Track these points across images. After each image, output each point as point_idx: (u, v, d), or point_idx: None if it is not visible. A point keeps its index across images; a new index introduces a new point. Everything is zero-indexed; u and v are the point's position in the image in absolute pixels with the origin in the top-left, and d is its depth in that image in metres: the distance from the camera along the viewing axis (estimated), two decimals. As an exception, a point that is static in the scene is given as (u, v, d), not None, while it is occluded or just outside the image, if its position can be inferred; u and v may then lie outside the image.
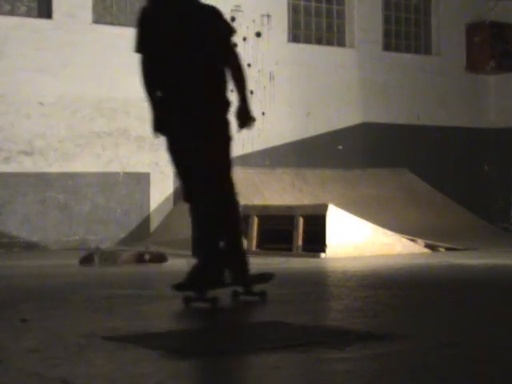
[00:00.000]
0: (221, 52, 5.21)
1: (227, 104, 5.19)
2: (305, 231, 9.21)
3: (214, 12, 5.36)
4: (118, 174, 11.53)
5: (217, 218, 5.17)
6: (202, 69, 5.15)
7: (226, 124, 5.20)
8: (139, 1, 12.06)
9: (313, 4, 13.37)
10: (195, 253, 5.19)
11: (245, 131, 5.49)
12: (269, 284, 5.33)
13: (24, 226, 10.85)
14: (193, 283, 5.05)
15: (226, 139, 5.24)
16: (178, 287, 5.07)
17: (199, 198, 5.16)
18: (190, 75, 5.13)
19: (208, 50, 5.16)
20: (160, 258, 8.43)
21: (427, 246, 9.73)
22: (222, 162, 5.26)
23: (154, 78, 5.33)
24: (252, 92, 12.54)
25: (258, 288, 5.20)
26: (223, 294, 5.15)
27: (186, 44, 5.15)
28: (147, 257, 8.37)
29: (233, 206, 5.33)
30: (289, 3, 13.06)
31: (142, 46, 5.31)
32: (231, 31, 5.33)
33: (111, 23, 11.75)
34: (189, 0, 5.31)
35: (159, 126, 5.19)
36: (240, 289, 5.25)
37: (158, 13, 5.34)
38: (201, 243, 5.16)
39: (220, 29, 5.32)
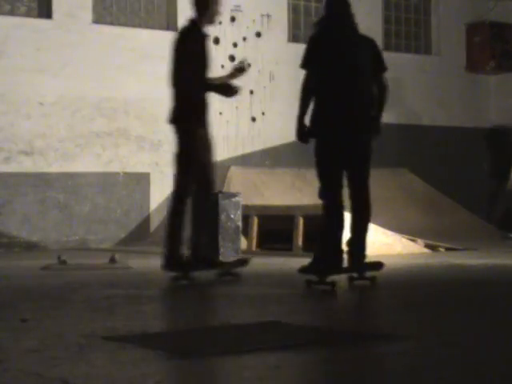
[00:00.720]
0: (375, 79, 6.17)
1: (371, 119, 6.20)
2: (305, 231, 9.21)
3: (375, 44, 6.29)
4: (117, 173, 11.53)
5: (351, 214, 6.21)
6: (362, 88, 6.07)
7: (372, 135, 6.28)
8: (139, 1, 12.07)
9: (313, 4, 13.37)
10: (322, 243, 6.09)
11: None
12: (379, 271, 6.19)
13: (24, 226, 10.85)
14: (316, 268, 5.87)
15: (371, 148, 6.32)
16: (303, 270, 5.93)
17: (337, 196, 6.13)
18: (351, 93, 6.05)
19: (367, 74, 6.11)
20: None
21: (427, 246, 9.72)
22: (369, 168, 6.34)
23: (311, 93, 6.04)
24: (252, 92, 12.55)
25: (369, 274, 6.13)
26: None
27: (351, 67, 6.06)
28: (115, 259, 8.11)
29: (368, 204, 6.28)
30: (289, 3, 13.06)
31: (308, 63, 6.07)
32: (386, 67, 6.25)
33: (111, 23, 11.75)
34: (355, 30, 6.20)
35: (305, 134, 6.10)
36: (355, 274, 6.12)
37: (328, 36, 6.13)
38: (327, 234, 6.07)
39: (380, 61, 6.22)
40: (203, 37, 6.91)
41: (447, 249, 9.76)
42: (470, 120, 14.50)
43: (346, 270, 6.12)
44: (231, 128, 12.36)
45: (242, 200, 9.16)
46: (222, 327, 4.13)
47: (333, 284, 5.77)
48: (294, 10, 13.19)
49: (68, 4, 11.24)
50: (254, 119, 12.55)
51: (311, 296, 5.71)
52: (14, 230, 10.78)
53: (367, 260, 6.25)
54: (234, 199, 9.10)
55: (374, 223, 9.55)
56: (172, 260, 6.51)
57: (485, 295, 5.73)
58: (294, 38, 13.16)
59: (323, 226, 6.15)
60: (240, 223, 9.07)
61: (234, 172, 11.56)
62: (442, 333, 4.02)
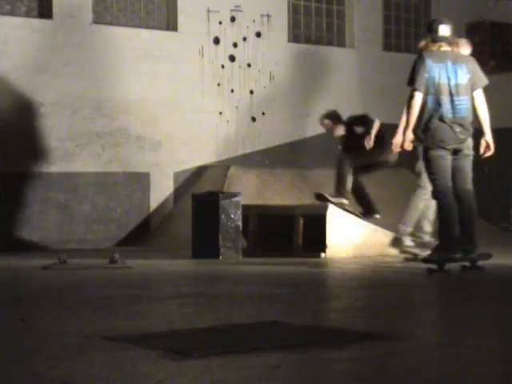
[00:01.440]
0: (476, 95, 7.11)
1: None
2: (305, 231, 9.21)
3: (474, 63, 7.17)
4: (117, 173, 11.53)
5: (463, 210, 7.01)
6: (461, 105, 6.99)
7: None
8: (139, 1, 12.07)
9: (313, 4, 13.37)
10: (439, 235, 7.14)
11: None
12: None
13: (24, 226, 10.85)
14: (436, 258, 6.91)
15: None
16: (425, 260, 7.01)
17: (448, 195, 6.97)
18: (453, 109, 6.98)
19: (466, 92, 7.03)
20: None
21: (427, 246, 9.71)
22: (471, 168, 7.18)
23: (417, 108, 6.99)
24: (252, 92, 12.55)
25: (480, 263, 7.03)
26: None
27: (452, 86, 6.99)
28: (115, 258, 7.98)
29: (473, 200, 7.10)
30: (289, 3, 13.06)
31: (417, 83, 7.08)
32: (480, 84, 7.14)
33: (111, 23, 11.76)
34: (457, 50, 7.18)
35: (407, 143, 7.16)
36: (467, 264, 7.01)
37: (433, 57, 7.09)
38: (443, 228, 6.99)
39: (480, 79, 7.15)
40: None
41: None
42: (470, 120, 14.49)
43: (459, 260, 6.97)
44: (231, 128, 12.36)
45: (241, 200, 9.16)
46: (221, 327, 4.13)
47: (449, 272, 6.79)
48: (294, 10, 13.19)
49: (68, 4, 11.24)
50: (254, 119, 12.55)
51: (311, 296, 5.72)
52: (14, 230, 10.78)
53: (477, 251, 7.08)
54: (233, 199, 9.10)
55: (374, 223, 9.57)
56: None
57: (485, 295, 5.73)
58: (294, 38, 13.17)
59: (440, 222, 7.14)
60: (240, 223, 9.07)
61: (234, 172, 11.56)
62: (441, 333, 4.02)
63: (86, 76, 11.24)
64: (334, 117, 9.96)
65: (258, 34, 12.62)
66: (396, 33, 14.16)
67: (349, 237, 9.06)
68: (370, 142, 9.30)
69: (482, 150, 7.21)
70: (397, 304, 5.26)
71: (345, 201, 9.52)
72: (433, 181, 7.11)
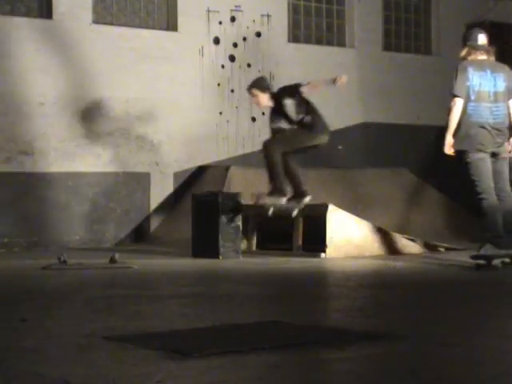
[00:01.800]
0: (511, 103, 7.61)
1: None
2: (305, 231, 9.20)
3: (510, 71, 7.77)
4: (117, 173, 11.53)
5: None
6: (499, 112, 7.51)
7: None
8: (139, 1, 12.07)
9: (313, 4, 13.37)
10: (486, 233, 7.45)
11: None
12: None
13: (24, 226, 10.85)
14: (484, 254, 7.32)
15: None
16: (474, 257, 7.40)
17: (491, 195, 7.44)
18: (497, 118, 7.52)
19: (503, 99, 7.56)
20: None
21: (427, 245, 9.72)
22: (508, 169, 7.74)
23: (456, 115, 7.40)
24: (252, 92, 12.54)
25: None
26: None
27: (491, 93, 7.52)
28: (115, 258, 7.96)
29: None
30: (289, 3, 13.05)
31: (458, 90, 7.40)
32: None
33: (111, 23, 11.75)
34: (494, 59, 7.79)
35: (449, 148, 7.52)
36: (507, 260, 7.38)
37: (474, 66, 7.57)
38: (490, 226, 7.38)
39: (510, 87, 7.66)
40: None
41: (447, 249, 9.76)
42: (470, 120, 14.47)
43: (505, 256, 7.38)
44: (231, 128, 12.36)
45: (241, 200, 9.16)
46: (221, 327, 4.13)
47: (496, 267, 7.25)
48: (294, 10, 13.18)
49: (68, 4, 11.24)
50: (253, 119, 12.55)
51: (311, 296, 5.72)
52: (14, 230, 10.77)
53: None
54: (233, 199, 9.10)
55: (374, 223, 9.57)
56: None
57: (485, 295, 5.73)
58: (294, 38, 13.16)
59: (487, 220, 7.47)
60: (240, 223, 9.07)
61: (234, 172, 11.55)
62: (441, 333, 4.02)
63: (86, 76, 11.24)
64: (260, 85, 9.22)
65: (258, 34, 12.62)
66: (396, 33, 14.15)
67: (349, 237, 9.06)
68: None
69: (509, 148, 7.61)
70: (397, 304, 5.26)
71: (283, 199, 8.99)
72: (474, 182, 7.51)
